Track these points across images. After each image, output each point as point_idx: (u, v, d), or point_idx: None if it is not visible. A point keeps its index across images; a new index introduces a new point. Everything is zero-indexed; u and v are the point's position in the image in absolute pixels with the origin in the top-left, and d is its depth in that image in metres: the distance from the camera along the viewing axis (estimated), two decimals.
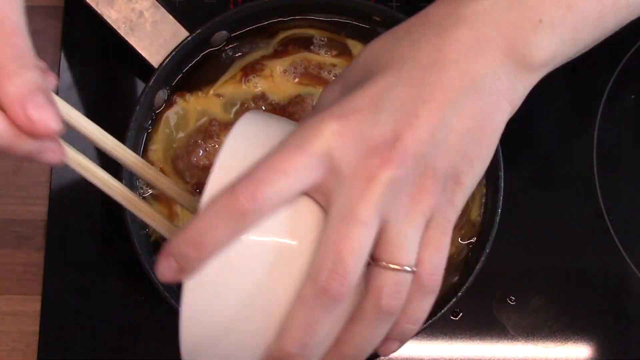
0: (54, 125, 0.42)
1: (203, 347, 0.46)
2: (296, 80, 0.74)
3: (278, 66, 0.74)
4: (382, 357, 0.70)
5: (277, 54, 0.74)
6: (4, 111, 0.41)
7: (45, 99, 0.42)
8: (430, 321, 0.65)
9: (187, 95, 0.73)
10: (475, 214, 0.71)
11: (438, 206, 0.45)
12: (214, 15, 0.72)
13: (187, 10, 0.78)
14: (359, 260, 0.43)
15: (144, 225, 0.69)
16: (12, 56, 0.42)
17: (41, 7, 0.79)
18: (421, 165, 0.44)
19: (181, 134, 0.72)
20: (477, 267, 0.66)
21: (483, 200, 0.71)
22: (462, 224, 0.70)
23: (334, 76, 0.74)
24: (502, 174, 0.69)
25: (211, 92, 0.73)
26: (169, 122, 0.72)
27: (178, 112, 0.72)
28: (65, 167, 0.49)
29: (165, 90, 0.73)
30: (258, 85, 0.73)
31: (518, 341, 0.72)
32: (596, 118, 0.79)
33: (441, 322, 0.72)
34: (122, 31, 0.73)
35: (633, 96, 0.80)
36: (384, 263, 0.44)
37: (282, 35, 0.75)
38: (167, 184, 0.57)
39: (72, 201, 0.74)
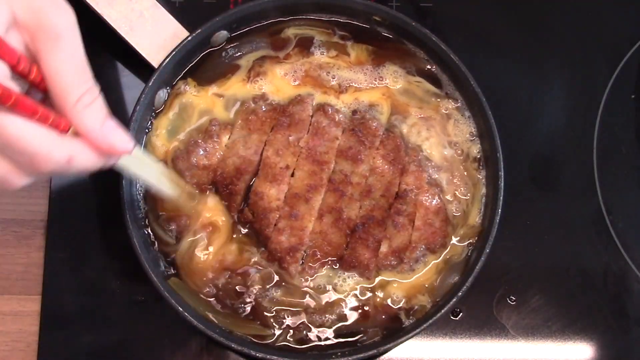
0: (130, 144, 0.50)
1: None
2: (297, 82, 0.74)
3: (278, 69, 0.74)
4: (383, 357, 0.71)
5: (278, 58, 0.75)
6: (82, 138, 0.49)
7: (114, 123, 0.50)
8: (430, 321, 0.66)
9: (190, 93, 0.73)
10: (475, 215, 0.71)
11: None
12: (214, 15, 0.72)
13: (187, 10, 0.78)
14: None
15: (143, 225, 0.69)
16: (88, 90, 0.48)
17: None
18: None
19: (181, 133, 0.72)
20: (477, 267, 0.66)
21: (483, 200, 0.71)
22: (461, 225, 0.70)
23: (332, 77, 0.74)
24: (502, 174, 0.69)
25: (212, 91, 0.73)
26: (169, 119, 0.72)
27: (180, 106, 0.72)
28: None
29: (165, 90, 0.73)
30: (263, 87, 0.73)
31: (518, 341, 0.72)
32: (596, 118, 0.79)
33: (441, 322, 0.72)
34: (122, 31, 0.73)
35: (633, 96, 0.80)
36: None
37: (288, 35, 0.75)
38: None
39: (72, 201, 0.73)
